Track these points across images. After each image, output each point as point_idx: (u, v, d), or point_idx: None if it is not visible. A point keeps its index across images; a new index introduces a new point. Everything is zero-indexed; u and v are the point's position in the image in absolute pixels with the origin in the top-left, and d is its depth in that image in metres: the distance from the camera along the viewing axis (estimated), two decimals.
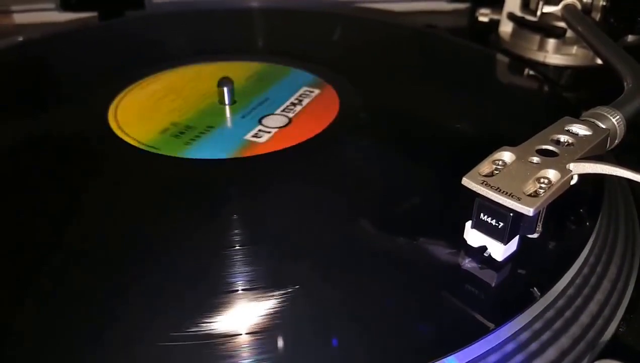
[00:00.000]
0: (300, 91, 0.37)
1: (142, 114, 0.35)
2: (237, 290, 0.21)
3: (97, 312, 0.21)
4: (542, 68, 0.46)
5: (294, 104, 0.36)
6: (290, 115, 0.34)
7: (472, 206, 0.22)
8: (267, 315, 0.20)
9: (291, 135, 0.32)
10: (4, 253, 0.24)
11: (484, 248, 0.23)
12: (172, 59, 0.42)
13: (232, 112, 0.35)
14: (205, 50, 0.45)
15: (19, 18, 0.57)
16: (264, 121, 0.34)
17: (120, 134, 0.33)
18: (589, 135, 0.25)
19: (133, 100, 0.37)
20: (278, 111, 0.35)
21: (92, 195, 0.28)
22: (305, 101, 0.36)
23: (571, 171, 0.23)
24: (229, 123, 0.34)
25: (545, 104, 0.39)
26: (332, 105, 0.35)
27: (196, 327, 0.20)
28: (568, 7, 0.44)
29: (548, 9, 0.46)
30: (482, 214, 0.22)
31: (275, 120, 0.34)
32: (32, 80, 0.41)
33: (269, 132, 0.32)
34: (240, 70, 0.41)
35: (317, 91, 0.37)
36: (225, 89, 0.35)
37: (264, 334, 0.20)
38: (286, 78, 0.40)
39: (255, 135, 0.32)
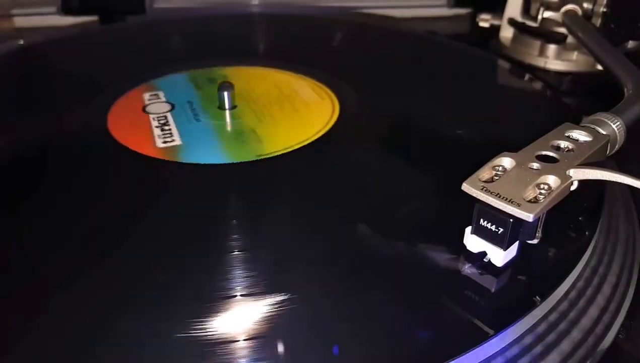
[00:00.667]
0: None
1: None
2: (224, 297, 0.21)
3: (93, 316, 0.21)
4: (542, 74, 0.47)
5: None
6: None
7: (472, 212, 0.22)
8: (263, 320, 0.20)
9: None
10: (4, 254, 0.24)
11: (483, 254, 0.23)
12: (179, 62, 0.43)
13: (222, 118, 0.35)
14: (214, 55, 0.45)
15: (20, 22, 0.57)
16: (258, 128, 0.34)
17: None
18: (589, 141, 0.25)
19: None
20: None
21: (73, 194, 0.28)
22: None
23: (571, 177, 0.23)
24: (222, 126, 0.34)
25: (545, 109, 0.39)
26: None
27: (193, 331, 0.20)
28: (569, 13, 0.44)
29: (549, 14, 0.46)
30: (482, 220, 0.22)
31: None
32: (32, 84, 0.41)
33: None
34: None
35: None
36: (225, 93, 0.35)
37: (261, 340, 0.20)
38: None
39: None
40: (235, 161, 0.30)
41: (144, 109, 0.36)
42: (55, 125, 0.35)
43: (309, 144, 0.32)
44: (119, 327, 0.20)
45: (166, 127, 0.34)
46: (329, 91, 0.38)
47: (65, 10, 0.56)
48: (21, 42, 0.49)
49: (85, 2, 0.56)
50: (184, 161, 0.30)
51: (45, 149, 0.32)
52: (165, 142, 0.32)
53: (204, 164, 0.30)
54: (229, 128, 0.34)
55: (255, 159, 0.30)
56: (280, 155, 0.31)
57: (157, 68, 0.41)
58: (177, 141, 0.32)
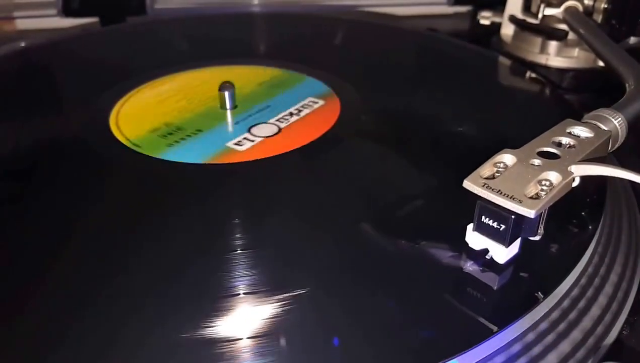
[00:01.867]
0: (304, 101, 0.37)
1: (143, 112, 0.35)
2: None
3: (96, 316, 0.21)
4: (543, 70, 0.46)
5: (291, 114, 0.35)
6: (283, 125, 0.34)
7: (474, 209, 0.22)
8: (265, 319, 0.20)
9: (276, 145, 0.32)
10: (4, 255, 0.24)
11: (485, 251, 0.23)
12: (186, 61, 0.43)
13: (223, 118, 0.35)
14: (221, 54, 0.45)
15: (21, 24, 0.57)
16: (253, 129, 0.33)
17: (114, 131, 0.33)
18: (591, 137, 0.25)
19: (140, 99, 0.37)
20: (272, 120, 0.34)
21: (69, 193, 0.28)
22: (305, 112, 0.35)
23: (573, 173, 0.23)
24: (218, 128, 0.34)
25: (546, 106, 0.39)
26: (331, 117, 0.35)
27: (195, 331, 0.20)
28: (569, 10, 0.44)
29: (549, 11, 0.46)
30: (483, 217, 0.22)
31: (264, 129, 0.33)
32: (33, 85, 0.41)
33: (253, 141, 0.32)
34: (255, 75, 0.41)
35: (321, 102, 0.36)
36: (226, 93, 0.35)
37: (264, 338, 0.20)
38: (298, 86, 0.39)
39: (237, 143, 0.32)
40: (242, 160, 0.30)
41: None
42: (57, 127, 0.35)
43: (312, 142, 0.32)
44: (124, 327, 0.20)
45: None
46: (329, 91, 0.38)
47: (66, 11, 0.56)
48: (23, 43, 0.49)
49: (86, 3, 0.56)
50: (165, 158, 0.30)
51: (44, 152, 0.32)
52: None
53: (212, 164, 0.30)
54: (232, 127, 0.34)
55: (262, 157, 0.31)
56: (287, 153, 0.31)
57: (154, 70, 0.41)
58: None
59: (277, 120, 0.34)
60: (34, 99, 0.39)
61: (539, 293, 0.22)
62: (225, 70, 0.42)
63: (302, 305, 0.21)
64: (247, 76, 0.40)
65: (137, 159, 0.31)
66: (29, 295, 0.22)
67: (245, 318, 0.21)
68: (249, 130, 0.33)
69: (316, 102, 0.37)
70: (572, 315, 0.23)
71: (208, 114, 0.36)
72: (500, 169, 0.23)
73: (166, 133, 0.33)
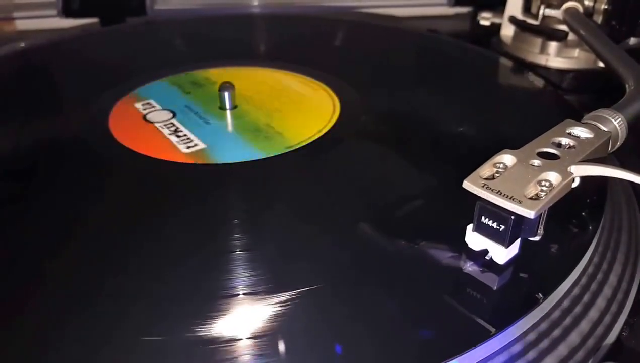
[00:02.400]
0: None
1: None
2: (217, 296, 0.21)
3: (93, 316, 0.21)
4: (543, 71, 0.46)
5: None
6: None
7: (473, 209, 0.22)
8: (265, 319, 0.20)
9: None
10: (4, 256, 0.24)
11: (485, 252, 0.23)
12: (200, 60, 0.43)
13: (231, 117, 0.35)
14: (221, 54, 0.45)
15: (21, 24, 0.57)
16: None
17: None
18: (591, 137, 0.25)
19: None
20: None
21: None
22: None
23: (572, 174, 0.23)
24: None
25: (546, 106, 0.39)
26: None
27: (195, 330, 0.20)
28: (570, 10, 0.44)
29: (550, 12, 0.46)
30: (483, 217, 0.22)
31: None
32: (33, 85, 0.41)
33: None
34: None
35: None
36: (225, 94, 0.35)
37: (264, 338, 0.20)
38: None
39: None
40: (269, 155, 0.30)
41: (144, 118, 0.35)
42: (61, 128, 0.35)
43: (326, 133, 0.32)
44: (125, 327, 0.20)
45: (180, 133, 0.33)
46: (329, 90, 0.38)
47: (66, 12, 0.56)
48: (23, 44, 0.49)
49: (86, 4, 0.56)
50: (219, 162, 0.30)
51: (45, 153, 0.32)
52: (189, 147, 0.32)
53: (241, 162, 0.30)
54: (243, 126, 0.34)
55: (286, 151, 0.31)
56: (306, 145, 0.31)
57: (137, 76, 0.41)
58: (201, 145, 0.32)
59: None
60: (34, 99, 0.38)
61: (539, 294, 0.21)
62: (227, 71, 0.42)
63: (301, 306, 0.21)
64: (238, 76, 0.40)
65: (137, 159, 0.30)
66: (28, 294, 0.22)
67: (244, 319, 0.20)
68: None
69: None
70: (572, 316, 0.23)
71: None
72: (500, 170, 0.23)
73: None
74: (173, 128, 0.34)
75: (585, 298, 0.24)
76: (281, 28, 0.53)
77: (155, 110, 0.36)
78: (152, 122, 0.35)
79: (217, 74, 0.41)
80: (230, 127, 0.34)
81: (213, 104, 0.36)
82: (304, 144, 0.31)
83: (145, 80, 0.40)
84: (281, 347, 0.19)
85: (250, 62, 0.43)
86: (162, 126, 0.34)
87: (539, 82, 0.42)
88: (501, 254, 0.22)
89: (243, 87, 0.38)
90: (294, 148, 0.31)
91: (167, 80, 0.41)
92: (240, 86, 0.37)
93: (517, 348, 0.21)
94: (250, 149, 0.31)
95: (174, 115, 0.36)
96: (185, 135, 0.33)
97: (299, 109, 0.36)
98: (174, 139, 0.33)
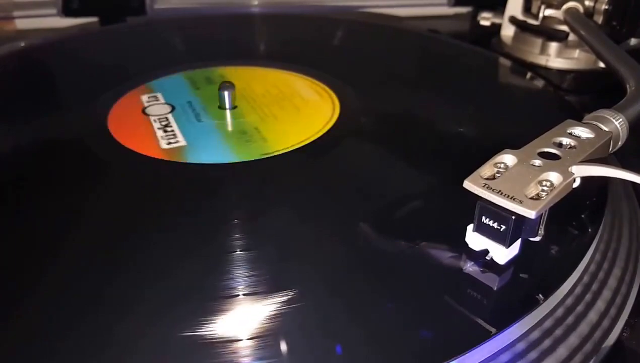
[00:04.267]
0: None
1: None
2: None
3: (94, 317, 0.21)
4: (544, 72, 0.46)
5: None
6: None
7: (474, 209, 0.22)
8: (265, 319, 0.20)
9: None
10: (5, 256, 0.24)
11: (485, 252, 0.23)
12: (189, 61, 0.43)
13: (223, 117, 0.35)
14: (221, 55, 0.45)
15: (21, 24, 0.57)
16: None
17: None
18: (592, 138, 0.25)
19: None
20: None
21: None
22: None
23: (573, 174, 0.22)
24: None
25: (547, 107, 0.39)
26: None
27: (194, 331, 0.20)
28: (570, 11, 0.44)
29: (550, 12, 0.46)
30: (483, 217, 0.22)
31: None
32: (34, 85, 0.41)
33: None
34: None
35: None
36: (225, 93, 0.35)
37: (264, 339, 0.20)
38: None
39: None
40: (240, 160, 0.30)
41: (144, 111, 0.36)
42: (56, 127, 0.35)
43: (313, 142, 0.32)
44: (124, 327, 0.20)
45: (169, 128, 0.33)
46: (329, 90, 0.38)
47: (66, 11, 0.56)
48: (22, 43, 0.49)
49: (86, 3, 0.56)
50: (189, 161, 0.30)
51: (45, 151, 0.32)
52: (169, 143, 0.32)
53: (210, 164, 0.30)
54: (231, 127, 0.34)
55: (260, 157, 0.30)
56: (285, 153, 0.31)
57: (155, 69, 0.41)
58: (182, 142, 0.32)
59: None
60: (33, 99, 0.38)
61: (539, 295, 0.21)
62: (218, 71, 0.42)
63: (300, 306, 0.21)
64: (239, 76, 0.40)
65: (136, 159, 0.30)
66: (27, 295, 0.22)
67: (244, 319, 0.20)
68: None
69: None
70: (573, 316, 0.23)
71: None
72: (500, 170, 0.23)
73: None
74: (165, 123, 0.34)
75: (587, 298, 0.24)
76: (282, 28, 0.53)
77: (156, 104, 0.37)
78: (148, 115, 0.35)
79: (232, 73, 0.41)
80: (216, 128, 0.34)
81: (215, 103, 0.36)
82: (283, 152, 0.31)
83: (163, 73, 0.41)
84: (281, 347, 0.19)
85: (265, 63, 0.43)
86: (155, 120, 0.34)
87: (539, 83, 0.42)
88: (502, 254, 0.22)
89: (251, 88, 0.39)
90: (270, 155, 0.31)
91: (182, 75, 0.41)
92: (249, 86, 0.37)
93: (517, 348, 0.21)
94: (226, 152, 0.31)
95: (173, 110, 0.36)
96: (172, 131, 0.33)
97: (298, 115, 0.35)
98: (160, 133, 0.33)
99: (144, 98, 0.37)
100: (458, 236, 0.23)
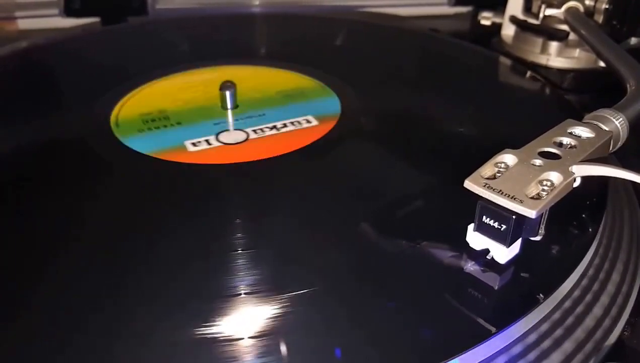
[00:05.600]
0: (299, 118, 0.34)
1: (153, 96, 0.37)
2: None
3: (95, 317, 0.21)
4: (544, 71, 0.46)
5: (270, 128, 0.33)
6: (254, 135, 0.33)
7: (475, 209, 0.22)
8: (265, 320, 0.20)
9: (229, 154, 0.31)
10: (5, 257, 0.24)
11: (486, 251, 0.23)
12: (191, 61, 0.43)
13: (213, 116, 0.35)
14: (222, 55, 0.45)
15: (23, 24, 0.57)
16: (222, 134, 0.33)
17: (115, 113, 0.35)
18: (592, 137, 0.25)
19: (162, 86, 0.39)
20: (248, 128, 0.33)
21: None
22: (288, 128, 0.33)
23: (574, 173, 0.23)
24: (197, 125, 0.34)
25: (547, 106, 0.39)
26: (311, 137, 0.32)
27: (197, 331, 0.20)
28: (570, 10, 0.44)
29: (550, 12, 0.46)
30: (484, 217, 0.22)
31: (231, 136, 0.33)
32: (36, 85, 0.41)
33: (211, 144, 0.32)
34: (282, 80, 0.41)
35: (314, 123, 0.34)
36: (227, 93, 0.35)
37: (265, 339, 0.20)
38: (308, 100, 0.37)
39: (194, 143, 0.32)
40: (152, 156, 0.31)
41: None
42: (58, 127, 0.35)
43: (313, 142, 0.32)
44: (126, 327, 0.20)
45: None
46: (330, 90, 0.38)
47: (68, 12, 0.56)
48: (24, 43, 0.49)
49: (87, 3, 0.56)
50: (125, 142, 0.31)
51: (47, 150, 0.32)
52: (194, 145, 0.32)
53: (212, 164, 0.30)
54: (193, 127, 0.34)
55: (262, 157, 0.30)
56: (285, 153, 0.31)
57: (156, 69, 0.41)
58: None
59: (253, 130, 0.33)
60: (35, 98, 0.38)
61: (540, 294, 0.21)
62: (215, 72, 0.42)
63: (300, 306, 0.21)
64: (240, 76, 0.40)
65: (137, 159, 0.30)
66: (29, 295, 0.22)
67: (246, 319, 0.20)
68: (217, 134, 0.33)
69: (310, 122, 0.34)
70: (573, 316, 0.23)
71: (204, 110, 0.36)
72: (501, 169, 0.23)
73: (150, 118, 0.34)
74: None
75: (587, 298, 0.24)
76: (282, 28, 0.53)
77: None
78: None
79: (233, 72, 0.41)
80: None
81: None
82: (283, 152, 0.31)
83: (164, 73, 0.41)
84: (283, 347, 0.19)
85: (265, 63, 0.43)
86: None
87: (539, 82, 0.42)
88: (502, 254, 0.22)
89: (256, 88, 0.39)
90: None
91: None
92: (254, 87, 0.38)
93: (518, 348, 0.21)
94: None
95: None
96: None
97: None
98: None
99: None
100: (459, 236, 0.23)
